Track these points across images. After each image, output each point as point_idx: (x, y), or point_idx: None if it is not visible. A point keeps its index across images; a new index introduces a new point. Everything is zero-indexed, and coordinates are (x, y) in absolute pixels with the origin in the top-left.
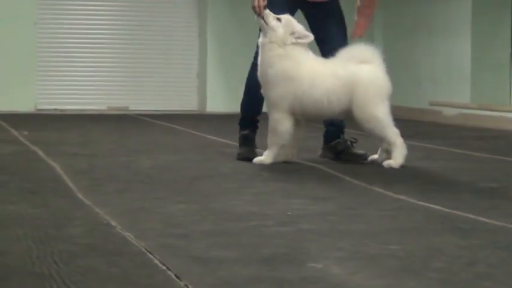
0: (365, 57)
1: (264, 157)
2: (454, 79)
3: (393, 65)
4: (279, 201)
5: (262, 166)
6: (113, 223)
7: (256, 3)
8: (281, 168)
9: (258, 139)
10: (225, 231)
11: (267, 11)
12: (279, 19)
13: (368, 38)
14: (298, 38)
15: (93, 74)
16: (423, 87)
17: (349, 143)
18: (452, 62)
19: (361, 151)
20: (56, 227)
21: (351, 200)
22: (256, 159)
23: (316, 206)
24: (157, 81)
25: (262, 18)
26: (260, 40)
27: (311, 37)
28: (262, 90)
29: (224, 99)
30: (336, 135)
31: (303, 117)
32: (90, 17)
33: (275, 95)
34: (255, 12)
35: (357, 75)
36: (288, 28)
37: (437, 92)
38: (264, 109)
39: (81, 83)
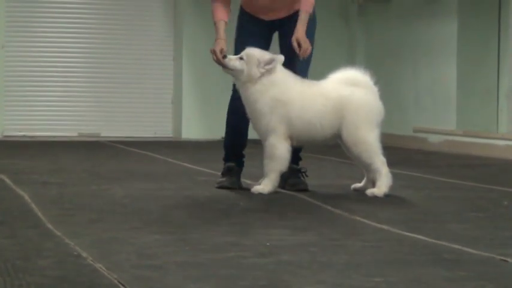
0: (358, 80)
1: (263, 186)
2: (439, 105)
3: None
4: (257, 232)
5: (240, 195)
6: (84, 254)
7: (213, 57)
8: (259, 197)
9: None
10: (201, 263)
11: (227, 58)
12: (241, 58)
13: (350, 62)
14: (266, 65)
15: (63, 99)
16: (407, 114)
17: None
18: (437, 87)
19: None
20: (25, 259)
21: (332, 231)
22: (254, 189)
23: (296, 237)
24: (131, 107)
25: (226, 67)
26: (236, 84)
27: (279, 58)
28: (252, 125)
29: (200, 126)
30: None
31: (298, 143)
32: (60, 40)
33: (268, 122)
34: (219, 64)
35: (348, 98)
36: (252, 62)
37: (421, 118)
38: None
39: (51, 108)
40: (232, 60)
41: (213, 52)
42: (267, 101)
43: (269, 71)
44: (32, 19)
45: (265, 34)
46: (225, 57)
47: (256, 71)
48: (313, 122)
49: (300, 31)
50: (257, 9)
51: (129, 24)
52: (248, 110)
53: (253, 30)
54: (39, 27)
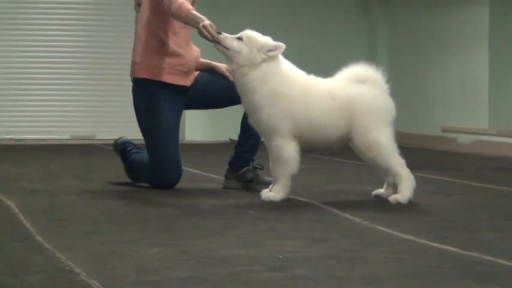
0: (366, 77)
1: (274, 193)
2: (470, 101)
3: (400, 86)
4: (268, 243)
5: (250, 203)
6: (77, 270)
7: (205, 33)
8: (271, 205)
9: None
10: (206, 278)
11: (223, 35)
12: (239, 38)
13: (371, 55)
14: (269, 51)
15: (54, 98)
16: (435, 111)
17: (257, 171)
18: (467, 83)
19: (269, 178)
20: (12, 274)
21: (352, 241)
22: (265, 196)
23: (312, 249)
24: (128, 108)
25: (220, 44)
26: (228, 68)
27: (283, 46)
28: (250, 120)
29: (204, 128)
30: (246, 163)
31: (301, 144)
32: (50, 38)
33: (267, 118)
34: (210, 41)
35: (357, 96)
36: (253, 44)
37: (450, 116)
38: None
39: (40, 109)
40: (229, 39)
41: (204, 27)
42: (266, 93)
43: (271, 58)
44: (19, 15)
45: (182, 106)
46: (219, 33)
47: (257, 55)
48: (316, 122)
49: (218, 65)
50: (180, 72)
51: (123, 22)
52: (244, 101)
53: (173, 106)
54: (28, 25)
